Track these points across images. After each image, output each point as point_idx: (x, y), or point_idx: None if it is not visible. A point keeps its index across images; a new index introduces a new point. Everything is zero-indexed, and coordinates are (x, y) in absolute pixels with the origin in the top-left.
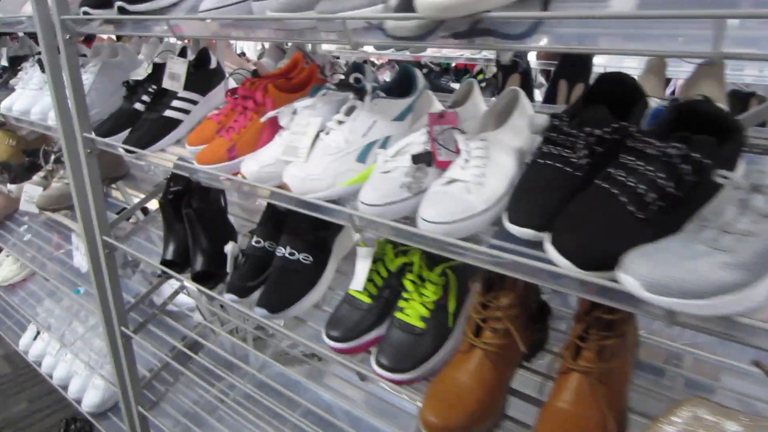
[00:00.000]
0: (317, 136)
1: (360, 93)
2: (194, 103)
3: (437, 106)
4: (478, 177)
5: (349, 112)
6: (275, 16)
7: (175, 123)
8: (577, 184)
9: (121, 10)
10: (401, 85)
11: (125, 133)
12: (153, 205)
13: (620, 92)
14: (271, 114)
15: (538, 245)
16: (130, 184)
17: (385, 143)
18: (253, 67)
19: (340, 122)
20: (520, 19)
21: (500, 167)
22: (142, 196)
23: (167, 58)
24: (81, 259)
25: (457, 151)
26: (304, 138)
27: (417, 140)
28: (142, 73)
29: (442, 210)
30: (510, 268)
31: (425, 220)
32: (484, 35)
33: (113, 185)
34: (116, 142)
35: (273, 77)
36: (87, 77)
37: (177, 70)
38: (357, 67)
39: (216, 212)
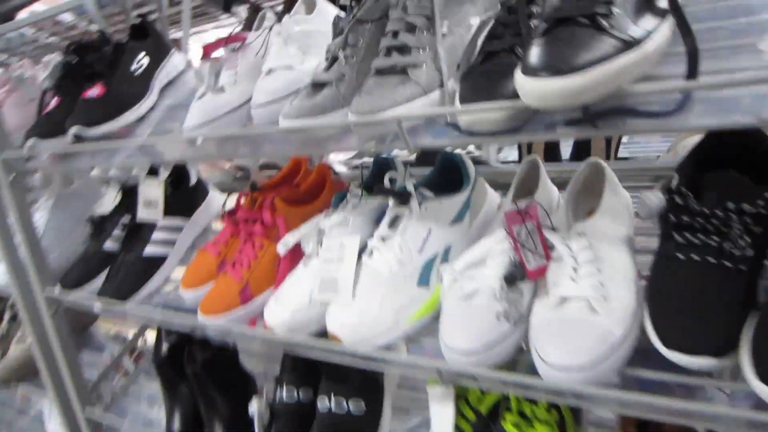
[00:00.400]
0: (359, 260)
1: (401, 197)
2: (178, 230)
3: (493, 196)
4: (599, 288)
5: (394, 223)
6: (294, 125)
7: (158, 261)
8: (744, 282)
9: (78, 139)
10: (444, 177)
11: (98, 280)
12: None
13: (743, 148)
14: (291, 241)
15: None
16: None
17: (446, 255)
18: (227, 167)
19: (384, 239)
20: (673, 90)
21: (617, 269)
22: (126, 332)
23: (138, 181)
24: (56, 429)
25: (547, 255)
26: (343, 266)
27: (493, 247)
28: (107, 203)
29: (570, 347)
30: (684, 415)
31: (550, 365)
32: (613, 117)
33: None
34: (88, 297)
35: (275, 187)
36: (40, 216)
37: (152, 196)
38: (385, 163)
39: (228, 361)
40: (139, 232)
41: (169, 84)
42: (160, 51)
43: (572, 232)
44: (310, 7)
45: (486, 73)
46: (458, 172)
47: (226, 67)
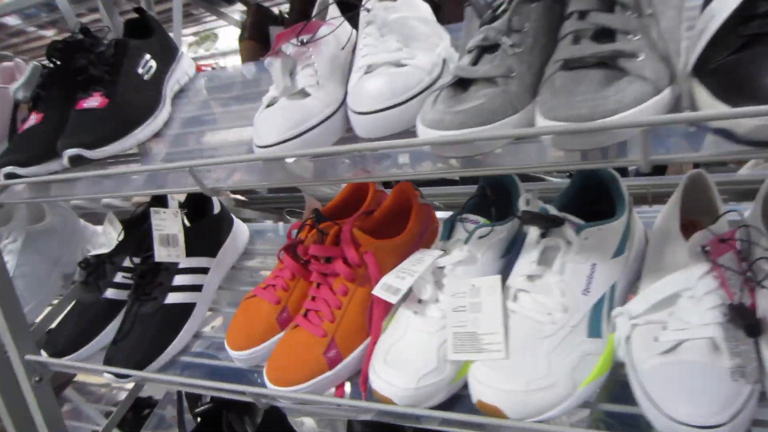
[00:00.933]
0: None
1: (544, 222)
2: (204, 271)
3: (639, 222)
4: None
5: (546, 260)
6: (458, 136)
7: (185, 311)
8: None
9: (75, 161)
10: (579, 200)
11: (101, 339)
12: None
13: None
14: (403, 286)
15: None
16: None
17: (613, 296)
18: None
19: (533, 278)
20: None
21: None
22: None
23: (150, 214)
24: None
25: (750, 288)
26: (485, 316)
27: (693, 284)
28: (105, 240)
29: None
30: None
31: None
32: None
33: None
34: (94, 365)
35: (341, 216)
36: (7, 260)
37: (170, 230)
38: (499, 182)
39: (277, 425)
40: (157, 276)
41: (180, 92)
42: (167, 52)
43: None
44: None
45: (758, 62)
46: (598, 192)
47: (301, 65)
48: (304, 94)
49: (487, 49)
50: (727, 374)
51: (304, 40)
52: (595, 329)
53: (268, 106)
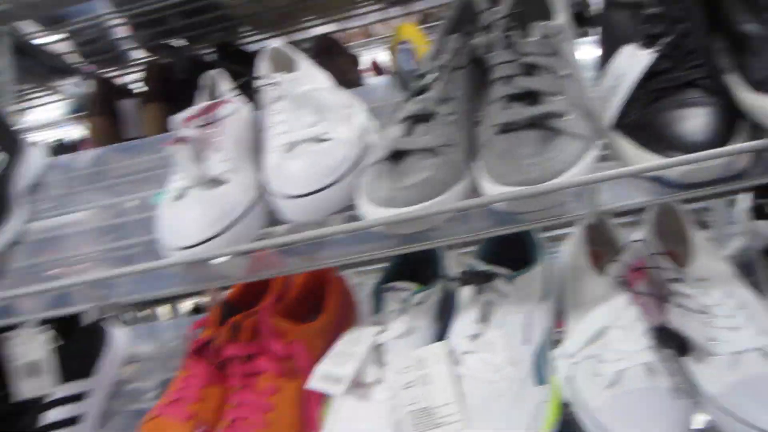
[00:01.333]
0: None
1: (482, 279)
2: (81, 398)
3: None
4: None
5: (483, 316)
6: (418, 211)
7: None
8: None
9: None
10: (493, 250)
11: None
12: None
13: None
14: (347, 373)
15: None
16: None
17: (547, 340)
18: None
19: (475, 337)
20: None
21: (760, 308)
22: None
23: (6, 341)
24: None
25: (662, 309)
26: (436, 387)
27: (619, 315)
28: None
29: None
30: None
31: None
32: None
33: None
34: None
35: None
36: None
37: (34, 355)
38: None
39: None
40: (19, 419)
41: (34, 188)
42: (12, 141)
43: (690, 279)
44: (287, 67)
45: (671, 113)
46: (508, 240)
47: (210, 150)
48: (217, 181)
49: (420, 118)
50: (671, 394)
51: (206, 122)
52: (540, 376)
53: (178, 198)
